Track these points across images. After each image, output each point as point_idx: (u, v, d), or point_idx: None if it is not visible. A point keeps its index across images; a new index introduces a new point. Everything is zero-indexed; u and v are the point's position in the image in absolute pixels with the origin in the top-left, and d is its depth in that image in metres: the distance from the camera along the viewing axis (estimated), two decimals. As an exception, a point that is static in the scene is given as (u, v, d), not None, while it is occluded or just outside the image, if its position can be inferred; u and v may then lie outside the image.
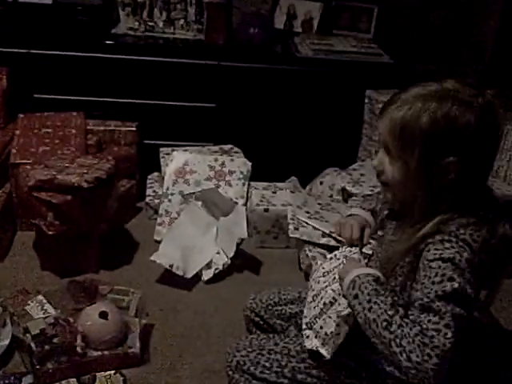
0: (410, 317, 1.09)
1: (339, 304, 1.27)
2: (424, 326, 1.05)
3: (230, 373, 1.46)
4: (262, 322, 1.53)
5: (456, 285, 1.05)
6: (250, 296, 1.74)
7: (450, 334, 1.04)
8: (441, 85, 1.11)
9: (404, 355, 1.05)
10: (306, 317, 1.34)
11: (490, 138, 1.10)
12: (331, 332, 1.25)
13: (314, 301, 1.35)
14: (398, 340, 1.07)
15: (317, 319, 1.30)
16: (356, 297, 1.16)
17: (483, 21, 2.63)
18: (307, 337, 1.32)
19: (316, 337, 1.30)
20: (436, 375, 1.04)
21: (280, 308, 1.51)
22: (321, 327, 1.28)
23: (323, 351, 1.27)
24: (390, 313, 1.10)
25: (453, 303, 1.05)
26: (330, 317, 1.27)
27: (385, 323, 1.09)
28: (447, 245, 1.08)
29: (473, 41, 2.64)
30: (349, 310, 1.21)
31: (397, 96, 1.14)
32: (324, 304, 1.30)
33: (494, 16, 2.59)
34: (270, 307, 1.52)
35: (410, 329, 1.06)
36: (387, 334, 1.08)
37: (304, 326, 1.33)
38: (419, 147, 1.10)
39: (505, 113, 2.29)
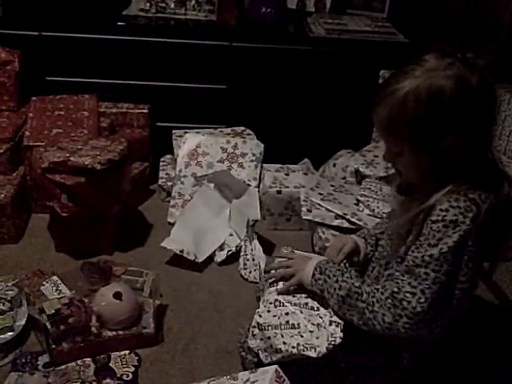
0: (396, 273, 1.15)
1: (299, 333, 1.26)
2: (399, 287, 1.11)
3: (243, 354, 1.47)
4: None
5: (445, 249, 1.06)
6: (262, 277, 1.74)
7: (423, 299, 1.08)
8: (419, 65, 1.09)
9: (378, 319, 1.13)
10: (260, 316, 1.32)
11: (481, 101, 1.08)
12: (276, 348, 1.26)
13: (275, 306, 1.33)
14: (370, 307, 1.14)
15: (269, 327, 1.29)
16: (325, 281, 1.23)
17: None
18: (253, 335, 1.31)
19: (262, 339, 1.30)
20: (409, 333, 1.11)
21: None
22: (269, 337, 1.28)
23: (262, 356, 1.28)
24: (357, 284, 1.18)
25: (437, 269, 1.07)
26: (282, 335, 1.27)
27: (355, 295, 1.17)
28: (454, 204, 1.07)
29: (489, 19, 2.58)
30: (310, 354, 1.22)
31: (381, 92, 1.13)
32: (286, 322, 1.29)
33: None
34: None
35: (382, 293, 1.13)
36: (360, 303, 1.16)
37: (254, 324, 1.32)
38: (411, 137, 1.10)
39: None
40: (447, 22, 2.60)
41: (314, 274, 1.26)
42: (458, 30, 2.61)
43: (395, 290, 1.11)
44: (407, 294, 1.09)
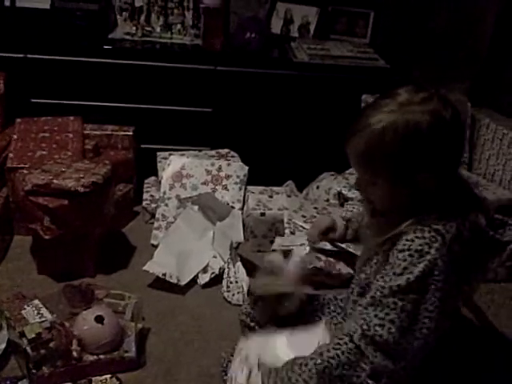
0: (359, 308, 1.12)
1: None
2: (367, 323, 1.08)
3: (225, 377, 1.46)
4: (257, 327, 1.53)
5: (412, 278, 1.06)
6: (245, 301, 1.73)
7: (393, 329, 1.06)
8: (394, 99, 1.10)
9: (360, 367, 1.09)
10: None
11: (454, 135, 1.10)
12: None
13: None
14: (346, 366, 1.09)
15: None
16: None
17: (479, 25, 2.65)
18: None
19: None
20: (389, 367, 1.08)
21: None
22: None
23: None
24: (318, 361, 1.11)
25: (403, 298, 1.07)
26: None
27: (326, 370, 1.10)
28: (419, 234, 1.08)
29: (468, 45, 2.65)
30: None
31: (356, 124, 1.12)
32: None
33: (489, 20, 2.61)
34: None
35: (350, 341, 1.10)
36: (335, 371, 1.10)
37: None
38: (387, 170, 1.11)
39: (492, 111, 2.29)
40: (428, 47, 2.66)
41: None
42: (438, 56, 2.68)
43: (365, 327, 1.08)
44: (377, 328, 1.07)
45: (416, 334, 1.09)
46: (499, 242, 1.58)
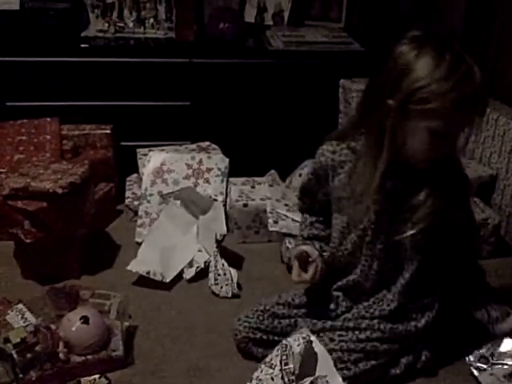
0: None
1: None
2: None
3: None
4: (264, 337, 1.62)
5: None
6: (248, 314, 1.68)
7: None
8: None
9: None
10: None
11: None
12: None
13: None
14: None
15: None
16: None
17: (451, 6, 2.64)
18: None
19: None
20: None
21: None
22: None
23: None
24: None
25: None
26: None
27: None
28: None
29: (442, 24, 2.65)
30: None
31: None
32: None
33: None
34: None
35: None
36: None
37: None
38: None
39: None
40: (402, 28, 2.65)
41: None
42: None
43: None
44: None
45: None
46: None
